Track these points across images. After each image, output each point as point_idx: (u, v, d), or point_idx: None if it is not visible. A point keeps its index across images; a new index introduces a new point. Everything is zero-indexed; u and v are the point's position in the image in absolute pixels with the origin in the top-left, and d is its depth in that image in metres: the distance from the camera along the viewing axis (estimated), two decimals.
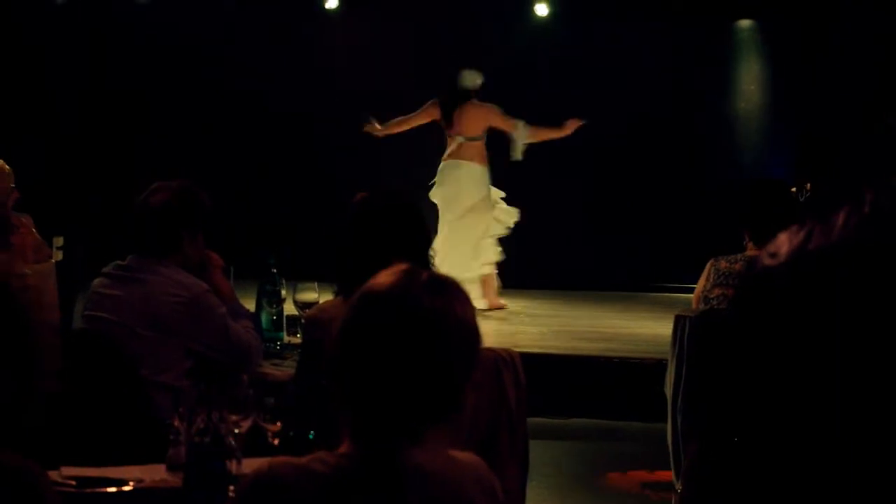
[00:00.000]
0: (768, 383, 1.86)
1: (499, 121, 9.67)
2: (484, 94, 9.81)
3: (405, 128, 9.87)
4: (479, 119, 9.65)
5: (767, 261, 1.91)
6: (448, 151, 9.73)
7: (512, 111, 9.85)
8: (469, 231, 9.69)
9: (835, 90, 10.70)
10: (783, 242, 1.93)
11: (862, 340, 1.78)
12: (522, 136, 9.70)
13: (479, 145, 9.69)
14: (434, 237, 8.61)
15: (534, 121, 10.17)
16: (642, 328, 9.23)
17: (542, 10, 12.03)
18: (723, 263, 5.38)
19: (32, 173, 7.32)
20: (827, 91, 10.95)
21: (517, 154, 9.74)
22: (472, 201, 9.69)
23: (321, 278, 4.55)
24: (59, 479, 2.89)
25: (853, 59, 10.62)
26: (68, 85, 11.74)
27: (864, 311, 1.78)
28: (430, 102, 9.77)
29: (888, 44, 10.07)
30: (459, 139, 9.65)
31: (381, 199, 3.57)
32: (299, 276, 4.89)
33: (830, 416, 1.78)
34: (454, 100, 9.64)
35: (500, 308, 9.89)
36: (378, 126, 9.80)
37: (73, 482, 2.92)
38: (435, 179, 9.81)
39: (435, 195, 9.78)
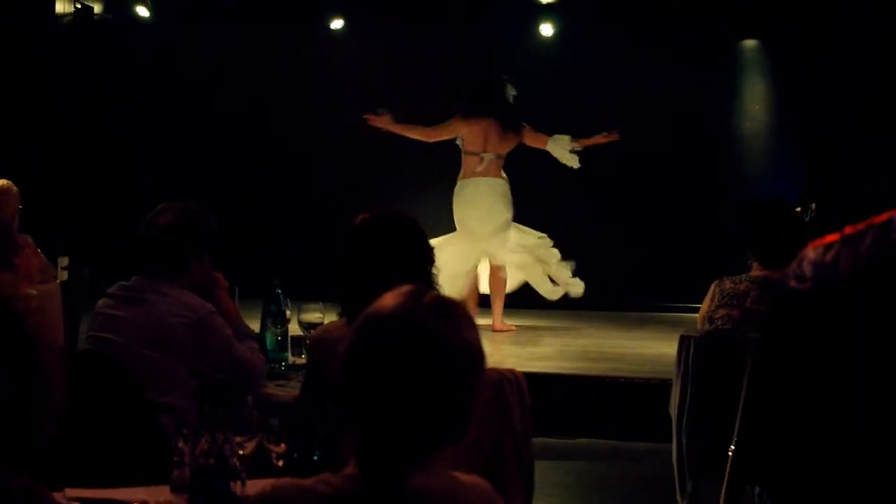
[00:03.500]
0: (798, 396, 1.89)
1: (531, 138, 9.70)
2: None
3: (423, 138, 9.72)
4: (512, 136, 9.64)
5: (794, 283, 1.96)
6: (475, 168, 9.64)
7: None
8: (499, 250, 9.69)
9: (840, 110, 10.70)
10: (809, 265, 1.97)
11: (884, 356, 1.82)
12: (563, 146, 9.67)
13: (503, 163, 9.69)
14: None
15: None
16: (647, 348, 9.21)
17: (546, 29, 12.06)
18: (727, 284, 5.37)
19: (33, 174, 7.39)
20: (832, 111, 10.95)
21: (573, 163, 9.76)
22: (505, 218, 9.69)
23: (326, 299, 4.55)
24: (64, 501, 2.89)
25: (858, 79, 10.63)
26: (68, 90, 11.76)
27: (887, 331, 1.82)
28: (455, 119, 9.62)
29: (891, 61, 10.09)
30: (490, 156, 9.61)
31: (381, 219, 3.57)
32: (304, 297, 4.89)
33: (851, 425, 1.81)
34: (498, 114, 9.57)
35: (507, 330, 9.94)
36: (387, 120, 9.60)
37: (77, 503, 2.92)
38: (460, 196, 9.70)
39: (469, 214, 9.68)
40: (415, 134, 9.71)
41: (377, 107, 9.65)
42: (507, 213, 9.65)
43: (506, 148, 9.61)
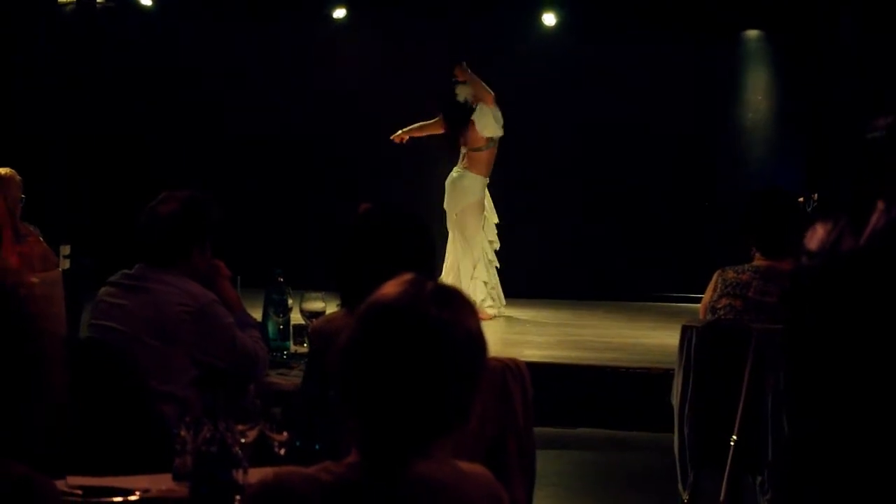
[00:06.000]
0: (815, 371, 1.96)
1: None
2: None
3: (422, 134, 9.97)
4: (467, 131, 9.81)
5: (804, 260, 2.04)
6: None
7: (518, 120, 9.87)
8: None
9: (842, 100, 10.69)
10: (816, 242, 2.04)
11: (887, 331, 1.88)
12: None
13: (472, 155, 9.77)
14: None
15: (540, 131, 10.17)
16: (649, 338, 9.22)
17: (549, 19, 12.04)
18: (730, 274, 5.36)
19: (36, 163, 7.38)
20: (835, 101, 10.94)
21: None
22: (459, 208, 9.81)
23: (328, 288, 4.55)
24: (66, 489, 2.89)
25: (859, 68, 10.62)
26: (70, 77, 11.77)
27: (887, 304, 1.88)
28: (438, 118, 9.89)
29: (891, 51, 10.08)
30: (463, 150, 9.80)
31: (384, 210, 3.55)
32: (306, 286, 4.89)
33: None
34: (459, 115, 9.69)
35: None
36: (401, 135, 9.90)
37: (80, 492, 2.92)
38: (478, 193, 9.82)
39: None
40: (429, 130, 9.95)
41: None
42: (460, 204, 9.76)
43: (472, 143, 9.73)
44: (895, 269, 1.91)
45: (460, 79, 9.70)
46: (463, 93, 9.72)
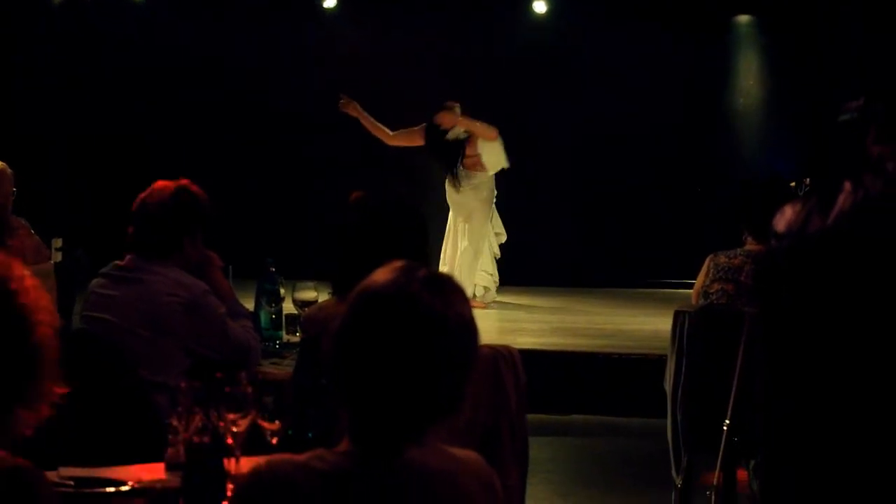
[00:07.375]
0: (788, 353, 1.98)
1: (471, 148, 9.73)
2: (482, 94, 9.80)
3: (383, 139, 9.79)
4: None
5: (773, 242, 2.06)
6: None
7: (509, 108, 9.85)
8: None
9: (834, 85, 10.69)
10: (784, 223, 2.06)
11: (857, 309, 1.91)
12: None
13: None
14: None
15: (529, 118, 10.17)
16: (641, 324, 9.23)
17: (539, 7, 12.03)
18: (722, 258, 5.38)
19: (28, 156, 7.35)
20: (826, 86, 10.94)
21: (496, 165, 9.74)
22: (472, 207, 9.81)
23: (320, 277, 4.55)
24: (58, 480, 2.89)
25: (852, 51, 10.62)
26: (59, 70, 11.74)
27: (854, 286, 1.91)
28: (417, 132, 9.72)
29: (885, 37, 10.08)
30: None
31: (377, 198, 3.54)
32: (298, 275, 4.89)
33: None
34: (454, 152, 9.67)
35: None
36: (355, 106, 9.69)
37: (72, 482, 2.92)
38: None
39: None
40: (378, 132, 9.78)
41: (345, 93, 9.68)
42: (475, 201, 9.75)
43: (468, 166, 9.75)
44: (860, 250, 1.93)
45: (447, 125, 9.56)
46: (454, 133, 9.64)
